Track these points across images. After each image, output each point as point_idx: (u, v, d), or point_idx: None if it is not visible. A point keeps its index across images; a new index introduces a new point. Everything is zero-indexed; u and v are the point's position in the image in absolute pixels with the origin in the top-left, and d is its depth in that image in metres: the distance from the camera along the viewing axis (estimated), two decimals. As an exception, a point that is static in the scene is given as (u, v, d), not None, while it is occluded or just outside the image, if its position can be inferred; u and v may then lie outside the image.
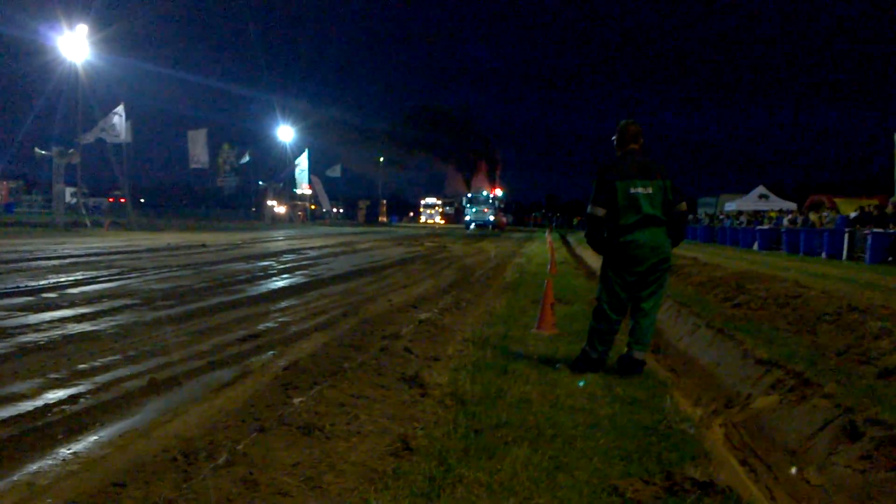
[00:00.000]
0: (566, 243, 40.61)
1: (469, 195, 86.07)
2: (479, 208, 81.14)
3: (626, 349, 6.63)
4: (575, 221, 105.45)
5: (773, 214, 43.57)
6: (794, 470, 4.25)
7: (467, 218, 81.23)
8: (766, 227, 35.49)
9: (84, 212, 41.81)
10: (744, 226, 40.09)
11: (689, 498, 3.77)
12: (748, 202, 53.55)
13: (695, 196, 78.24)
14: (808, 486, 4.06)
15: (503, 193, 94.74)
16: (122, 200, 53.57)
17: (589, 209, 6.45)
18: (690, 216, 63.04)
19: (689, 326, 8.81)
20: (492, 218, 79.86)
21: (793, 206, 49.85)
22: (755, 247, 33.21)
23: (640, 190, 6.25)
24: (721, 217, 54.28)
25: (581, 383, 6.13)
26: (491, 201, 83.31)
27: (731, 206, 54.99)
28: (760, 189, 53.85)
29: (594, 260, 17.11)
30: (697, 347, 7.94)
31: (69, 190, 43.27)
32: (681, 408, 5.69)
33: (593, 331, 6.62)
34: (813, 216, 32.26)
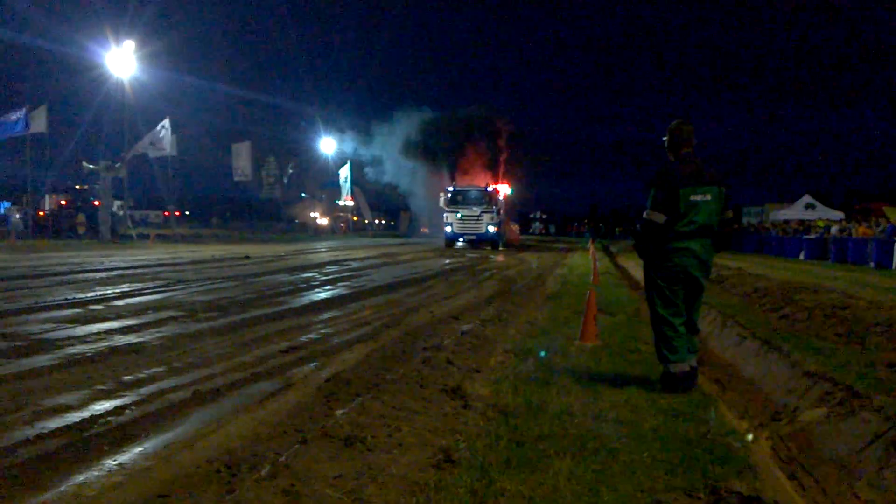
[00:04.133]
0: (609, 253, 40.29)
1: (452, 189, 45.35)
2: (470, 213, 43.49)
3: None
4: (617, 231, 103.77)
5: (820, 224, 42.84)
6: (843, 485, 4.16)
7: (448, 229, 43.38)
8: (812, 236, 34.89)
9: (130, 224, 42.50)
10: (790, 235, 39.44)
11: (735, 513, 3.71)
12: (794, 211, 52.90)
13: (740, 205, 77.21)
14: (858, 501, 3.97)
15: (512, 190, 56.95)
16: (177, 214, 54.61)
17: (646, 214, 6.25)
18: (735, 225, 62.11)
19: (734, 338, 8.70)
20: (493, 229, 43.28)
21: (840, 214, 49.05)
22: (801, 256, 32.67)
23: (699, 197, 6.09)
24: (767, 226, 53.58)
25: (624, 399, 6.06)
26: (490, 202, 44.11)
27: (777, 215, 54.34)
28: (807, 198, 53.20)
29: (638, 270, 16.96)
30: (743, 359, 7.83)
31: (116, 203, 44.01)
32: (726, 420, 5.60)
33: (658, 339, 6.40)
34: (860, 226, 31.68)
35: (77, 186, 44.45)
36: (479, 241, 42.84)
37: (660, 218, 6.14)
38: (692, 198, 6.08)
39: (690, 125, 6.38)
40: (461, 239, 42.82)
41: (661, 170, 6.30)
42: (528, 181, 75.76)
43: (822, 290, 11.56)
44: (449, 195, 43.40)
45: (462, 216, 42.21)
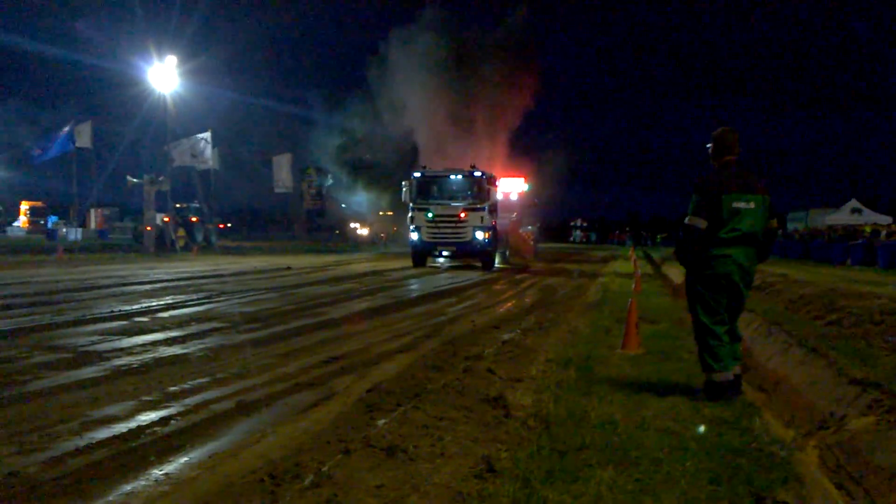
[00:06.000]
0: (650, 261, 39.91)
1: (420, 175, 28.83)
2: (447, 211, 27.79)
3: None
4: (659, 238, 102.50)
5: (867, 229, 42.08)
6: (893, 494, 4.08)
7: (415, 235, 28.36)
8: (859, 241, 34.23)
9: (173, 237, 43.15)
10: (835, 241, 38.76)
11: (781, 523, 3.66)
12: (840, 216, 52.05)
13: (784, 211, 76.03)
14: (911, 511, 3.89)
15: (529, 186, 43.28)
16: (220, 226, 55.69)
17: (687, 220, 6.22)
18: (780, 231, 61.25)
19: (779, 345, 8.57)
20: (481, 236, 27.70)
21: (888, 219, 48.15)
22: (848, 262, 32.08)
23: (742, 204, 6.05)
24: (812, 232, 52.81)
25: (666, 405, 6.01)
26: (479, 194, 27.94)
27: (822, 220, 53.54)
28: (853, 203, 52.31)
29: (680, 278, 16.80)
30: (788, 367, 7.71)
31: (160, 216, 44.68)
32: (771, 429, 5.53)
33: (700, 348, 6.36)
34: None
35: (178, 205, 47.19)
36: (462, 254, 28.37)
37: (701, 223, 6.09)
38: (735, 205, 6.03)
39: (735, 132, 6.34)
40: (438, 251, 28.19)
41: (704, 176, 6.28)
42: (559, 178, 59.76)
43: (870, 296, 11.35)
44: (415, 184, 27.80)
45: (434, 216, 27.17)
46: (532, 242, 37.84)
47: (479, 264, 28.48)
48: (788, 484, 4.16)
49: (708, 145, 6.43)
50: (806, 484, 4.26)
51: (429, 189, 28.09)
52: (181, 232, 44.35)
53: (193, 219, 47.29)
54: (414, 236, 28.02)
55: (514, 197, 38.79)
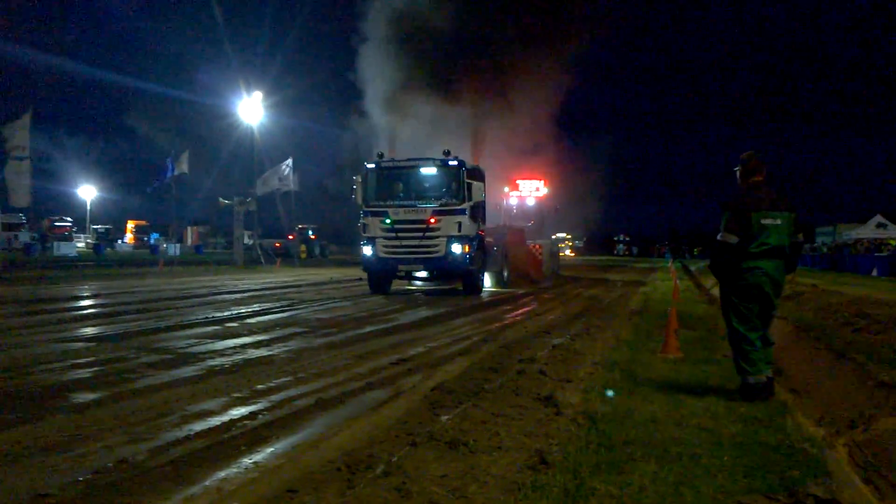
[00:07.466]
0: (688, 272, 39.24)
1: (375, 165, 18.33)
2: (411, 217, 17.69)
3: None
4: (696, 252, 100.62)
5: (892, 242, 40.84)
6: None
7: (368, 250, 18.01)
8: (885, 254, 33.20)
9: (259, 252, 43.91)
10: (862, 254, 37.64)
11: (813, 514, 3.57)
12: (866, 230, 50.77)
13: (812, 225, 74.18)
14: (936, 506, 3.77)
15: (548, 187, 32.21)
16: (313, 238, 57.29)
17: (720, 236, 6.17)
18: (808, 245, 59.81)
19: (809, 350, 8.36)
20: (459, 250, 17.39)
21: (912, 232, 46.79)
22: (875, 273, 31.13)
23: (770, 221, 6.01)
24: (839, 246, 51.48)
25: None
26: (457, 191, 17.62)
27: (849, 234, 52.22)
28: (878, 218, 51.00)
29: (716, 289, 16.52)
30: (818, 370, 7.51)
31: (247, 233, 45.60)
32: (803, 427, 5.39)
33: (735, 353, 6.28)
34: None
35: (301, 226, 50.18)
36: (436, 274, 18.71)
37: (732, 239, 6.05)
38: (763, 221, 5.99)
39: (761, 157, 6.28)
40: (402, 271, 18.50)
41: (735, 195, 6.24)
42: (601, 194, 52.32)
43: (896, 305, 11.00)
44: (369, 179, 18.40)
45: (393, 223, 17.76)
46: (542, 257, 25.54)
47: (459, 286, 19.06)
48: (819, 478, 4.06)
49: (736, 168, 6.38)
50: (836, 478, 4.15)
51: (390, 186, 18.33)
52: (303, 247, 47.80)
53: (313, 236, 52.29)
54: (367, 251, 18.18)
55: (530, 202, 29.59)
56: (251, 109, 41.36)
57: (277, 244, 48.35)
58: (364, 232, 18.22)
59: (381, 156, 19.00)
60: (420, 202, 17.87)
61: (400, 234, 17.71)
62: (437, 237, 17.43)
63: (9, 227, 51.19)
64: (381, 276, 18.65)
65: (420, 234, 17.54)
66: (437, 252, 17.46)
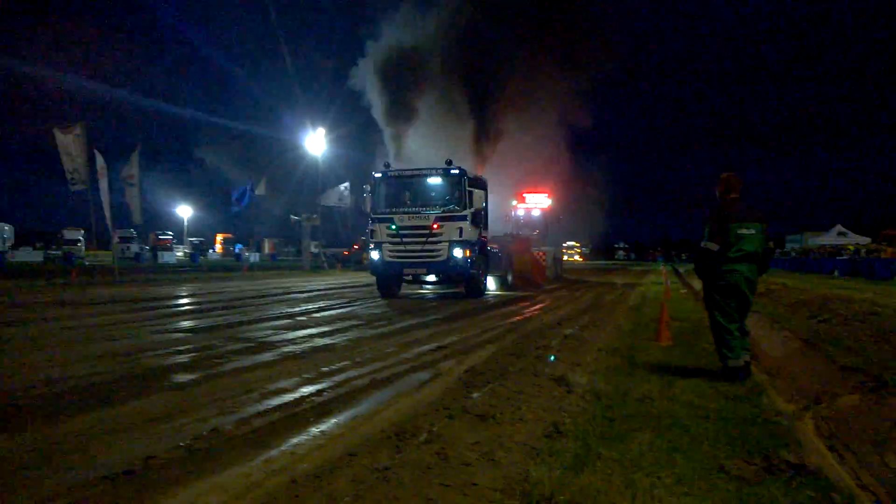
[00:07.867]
0: (677, 274, 38.73)
1: (381, 175, 16.59)
2: (415, 223, 15.95)
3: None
4: (683, 256, 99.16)
5: (850, 248, 39.96)
6: (875, 456, 3.87)
7: (375, 255, 16.33)
8: (844, 257, 32.49)
9: (323, 259, 44.32)
10: (825, 257, 36.84)
11: (783, 476, 3.53)
12: (829, 238, 49.88)
13: (783, 233, 72.83)
14: (888, 468, 3.69)
15: (550, 198, 28.78)
16: (355, 247, 57.77)
17: (703, 244, 6.11)
18: (778, 250, 58.65)
19: (781, 338, 8.22)
20: (460, 254, 15.58)
21: (867, 239, 45.78)
22: (836, 274, 30.48)
23: (745, 231, 5.95)
24: (806, 250, 50.54)
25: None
26: (459, 200, 15.85)
27: (814, 241, 51.31)
28: (839, 227, 50.11)
29: (700, 287, 16.29)
30: (789, 356, 7.39)
31: (313, 243, 46.03)
32: (776, 404, 5.31)
33: (717, 341, 6.20)
34: (889, 248, 29.32)
35: (363, 237, 50.37)
36: (439, 278, 16.55)
37: (714, 246, 6.01)
38: (739, 231, 5.94)
39: (739, 177, 6.21)
40: (407, 274, 16.56)
41: (716, 209, 6.17)
42: (604, 206, 48.01)
43: (855, 301, 10.76)
44: (378, 188, 16.84)
45: (399, 228, 16.18)
46: (545, 263, 23.83)
47: (461, 289, 17.25)
48: (790, 447, 4.00)
49: (716, 187, 6.31)
50: (804, 447, 4.09)
51: (397, 194, 16.70)
52: (365, 255, 47.20)
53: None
54: (374, 255, 16.62)
55: (536, 213, 28.17)
56: (316, 142, 41.86)
57: (346, 252, 48.23)
58: (371, 237, 16.61)
59: (387, 165, 17.58)
60: (424, 209, 16.17)
61: (405, 239, 16.06)
62: (440, 242, 15.80)
63: (122, 239, 52.50)
64: (388, 279, 16.99)
65: (423, 238, 15.89)
66: (439, 256, 15.82)
